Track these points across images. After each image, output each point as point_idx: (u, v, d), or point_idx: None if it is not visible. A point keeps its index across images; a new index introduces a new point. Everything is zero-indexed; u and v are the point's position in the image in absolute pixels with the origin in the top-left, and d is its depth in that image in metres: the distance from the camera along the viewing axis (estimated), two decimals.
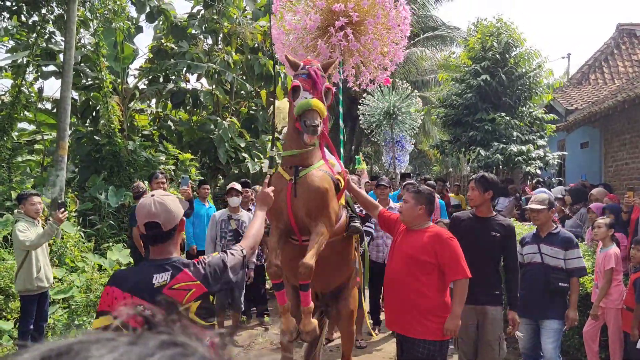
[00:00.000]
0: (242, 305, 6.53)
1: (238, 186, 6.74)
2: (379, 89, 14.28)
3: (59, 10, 10.06)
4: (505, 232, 4.28)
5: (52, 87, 48.32)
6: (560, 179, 15.13)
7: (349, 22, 4.68)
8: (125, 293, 2.25)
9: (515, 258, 4.38)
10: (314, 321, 3.59)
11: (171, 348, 0.55)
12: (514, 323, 4.28)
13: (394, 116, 15.16)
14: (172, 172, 11.09)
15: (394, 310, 3.90)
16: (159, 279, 2.26)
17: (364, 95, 14.91)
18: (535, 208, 4.62)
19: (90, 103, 10.88)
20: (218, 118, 12.29)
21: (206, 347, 0.57)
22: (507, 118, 13.31)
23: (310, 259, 3.37)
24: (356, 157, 12.20)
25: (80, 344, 0.54)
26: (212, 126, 11.88)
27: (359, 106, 15.92)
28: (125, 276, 2.40)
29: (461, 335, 4.37)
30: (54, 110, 10.83)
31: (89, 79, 10.57)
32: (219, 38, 13.03)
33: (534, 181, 12.33)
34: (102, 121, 10.08)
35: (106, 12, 10.18)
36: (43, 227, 5.55)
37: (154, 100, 14.04)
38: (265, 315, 7.31)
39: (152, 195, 2.38)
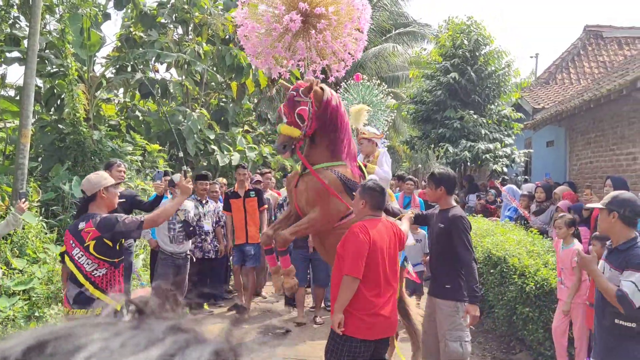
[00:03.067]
0: (184, 294, 6.59)
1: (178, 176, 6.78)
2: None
3: None
4: (448, 221, 4.21)
5: (15, 73, 47.14)
6: (526, 177, 15.40)
7: (329, 24, 4.90)
8: (67, 232, 3.85)
9: (465, 249, 4.13)
10: (294, 280, 4.42)
11: (180, 333, 0.52)
12: (468, 316, 4.11)
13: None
14: (140, 164, 10.91)
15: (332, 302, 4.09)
16: (80, 225, 3.76)
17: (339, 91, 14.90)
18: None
19: (55, 91, 10.58)
20: (187, 109, 12.13)
21: (211, 334, 0.55)
22: (476, 116, 13.48)
23: (288, 232, 4.29)
24: None
25: (81, 328, 0.51)
26: (181, 117, 11.72)
27: None
28: (72, 223, 4.01)
29: (423, 325, 4.44)
30: (17, 98, 10.53)
31: (54, 66, 10.28)
32: (190, 28, 12.85)
33: (500, 179, 12.53)
34: (66, 110, 9.83)
35: None
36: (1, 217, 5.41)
37: (121, 90, 13.78)
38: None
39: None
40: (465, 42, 13.96)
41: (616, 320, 3.44)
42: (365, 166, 4.88)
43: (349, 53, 5.16)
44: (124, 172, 6.18)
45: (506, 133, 14.22)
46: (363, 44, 5.33)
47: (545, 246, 6.33)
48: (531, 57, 35.70)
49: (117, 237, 3.77)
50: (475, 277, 4.13)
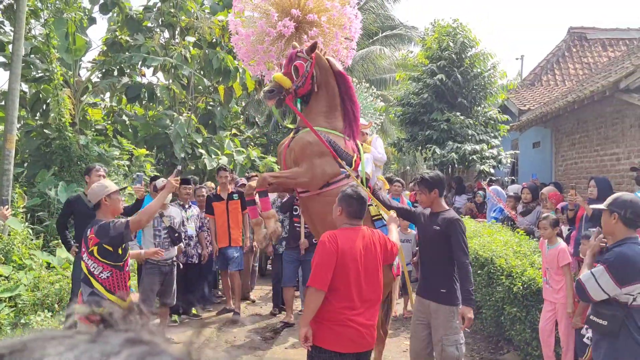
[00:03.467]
0: (174, 301, 6.51)
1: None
2: None
3: None
4: (445, 225, 4.15)
5: (0, 78, 46.70)
6: (513, 177, 15.53)
7: (321, 32, 5.05)
8: (82, 237, 4.17)
9: (463, 251, 4.10)
10: (275, 224, 4.40)
11: (137, 346, 0.51)
12: (464, 319, 4.08)
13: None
14: (127, 168, 10.86)
15: None
16: (87, 232, 4.06)
17: None
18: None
19: (40, 96, 10.51)
20: (174, 113, 12.08)
21: (171, 345, 0.54)
22: (462, 117, 13.56)
23: (269, 175, 4.43)
24: None
25: (36, 342, 0.50)
26: (169, 121, 11.68)
27: None
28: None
29: (411, 330, 4.42)
30: (2, 103, 10.43)
31: (39, 71, 10.21)
32: (176, 32, 12.82)
33: (487, 180, 12.60)
34: (52, 115, 9.76)
35: (57, 2, 9.87)
36: None
37: (107, 94, 13.70)
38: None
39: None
40: (452, 44, 14.04)
41: (591, 317, 3.49)
42: (362, 144, 4.85)
43: (339, 60, 5.23)
44: (104, 177, 6.17)
45: (493, 134, 14.30)
46: (353, 51, 5.47)
47: (531, 247, 6.38)
48: (517, 59, 36.05)
49: (115, 242, 4.03)
50: (470, 279, 4.11)
